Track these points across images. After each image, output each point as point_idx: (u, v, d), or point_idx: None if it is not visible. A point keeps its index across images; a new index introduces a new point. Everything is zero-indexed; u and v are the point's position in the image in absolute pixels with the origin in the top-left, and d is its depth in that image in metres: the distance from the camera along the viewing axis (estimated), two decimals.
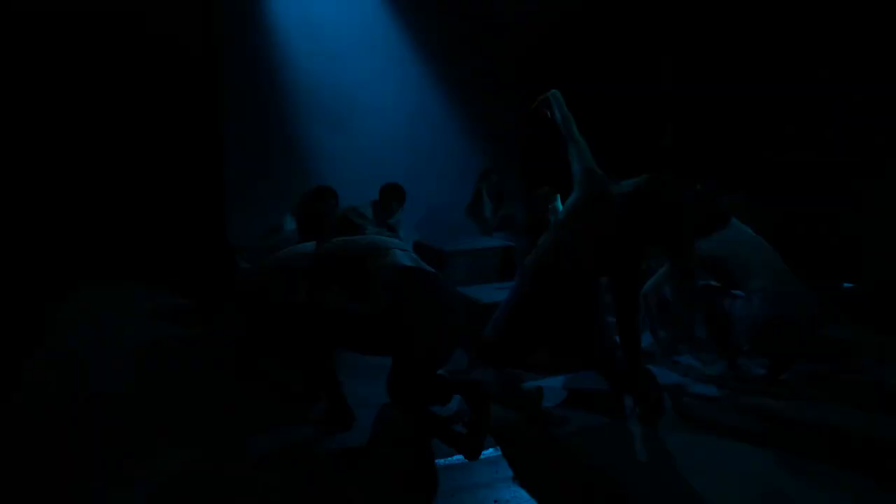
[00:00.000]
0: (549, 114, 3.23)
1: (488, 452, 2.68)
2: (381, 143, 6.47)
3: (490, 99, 7.06)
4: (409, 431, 2.90)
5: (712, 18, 5.99)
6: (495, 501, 2.35)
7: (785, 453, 2.70)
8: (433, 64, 6.83)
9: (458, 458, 2.62)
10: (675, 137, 6.21)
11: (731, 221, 3.55)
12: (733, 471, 2.56)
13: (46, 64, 5.24)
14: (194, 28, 5.60)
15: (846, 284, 5.12)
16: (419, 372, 2.70)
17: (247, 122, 5.95)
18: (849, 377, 3.59)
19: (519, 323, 3.06)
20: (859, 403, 3.21)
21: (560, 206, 4.25)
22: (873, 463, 2.63)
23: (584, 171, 3.01)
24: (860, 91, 5.03)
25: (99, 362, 3.84)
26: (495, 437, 2.78)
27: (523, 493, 2.41)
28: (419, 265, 2.78)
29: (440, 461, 2.65)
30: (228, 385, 3.56)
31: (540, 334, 3.18)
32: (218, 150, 5.78)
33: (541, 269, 2.97)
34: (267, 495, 2.41)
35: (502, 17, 6.83)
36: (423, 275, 2.76)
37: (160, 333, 4.31)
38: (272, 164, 6.18)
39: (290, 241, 3.61)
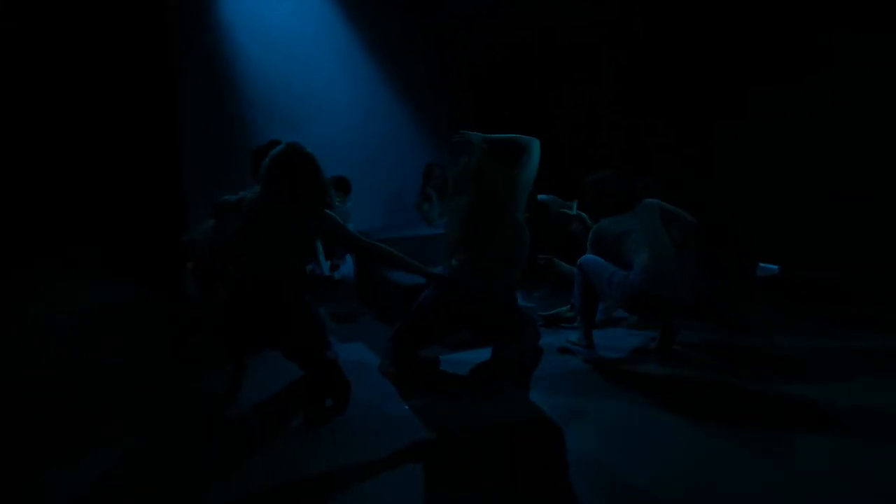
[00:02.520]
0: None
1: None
2: (337, 142, 6.68)
3: (439, 95, 7.34)
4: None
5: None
6: None
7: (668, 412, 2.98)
8: (385, 64, 7.13)
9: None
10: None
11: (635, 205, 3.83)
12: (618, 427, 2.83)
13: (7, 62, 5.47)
14: (151, 32, 5.82)
15: (768, 266, 5.41)
16: None
17: (204, 125, 6.20)
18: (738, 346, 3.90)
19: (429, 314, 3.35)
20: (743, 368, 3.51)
21: None
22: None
23: None
24: None
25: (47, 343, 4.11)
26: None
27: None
28: None
29: None
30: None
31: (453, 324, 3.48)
32: (176, 152, 6.02)
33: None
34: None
35: (450, 17, 7.10)
36: None
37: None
38: (230, 165, 6.42)
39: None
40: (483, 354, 3.62)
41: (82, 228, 5.55)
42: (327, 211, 3.09)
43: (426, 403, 3.10)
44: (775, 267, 5.41)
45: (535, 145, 3.46)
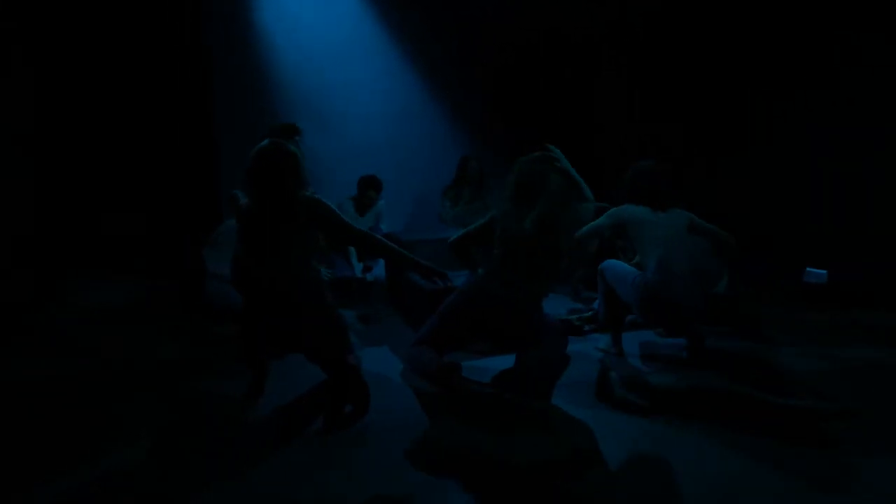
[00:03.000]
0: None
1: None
2: (370, 143, 6.73)
3: (478, 97, 7.26)
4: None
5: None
6: None
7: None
8: (419, 63, 7.08)
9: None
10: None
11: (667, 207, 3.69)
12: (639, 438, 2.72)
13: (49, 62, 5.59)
14: (186, 33, 5.91)
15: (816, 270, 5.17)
16: None
17: (238, 125, 6.26)
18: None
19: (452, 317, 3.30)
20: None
21: None
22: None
23: None
24: None
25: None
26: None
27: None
28: None
29: None
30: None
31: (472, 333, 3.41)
32: (210, 153, 6.11)
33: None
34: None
35: (484, 14, 7.02)
36: None
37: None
38: None
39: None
40: (506, 361, 3.53)
41: (118, 227, 5.68)
42: (319, 198, 3.04)
43: (445, 411, 3.04)
44: (824, 272, 5.15)
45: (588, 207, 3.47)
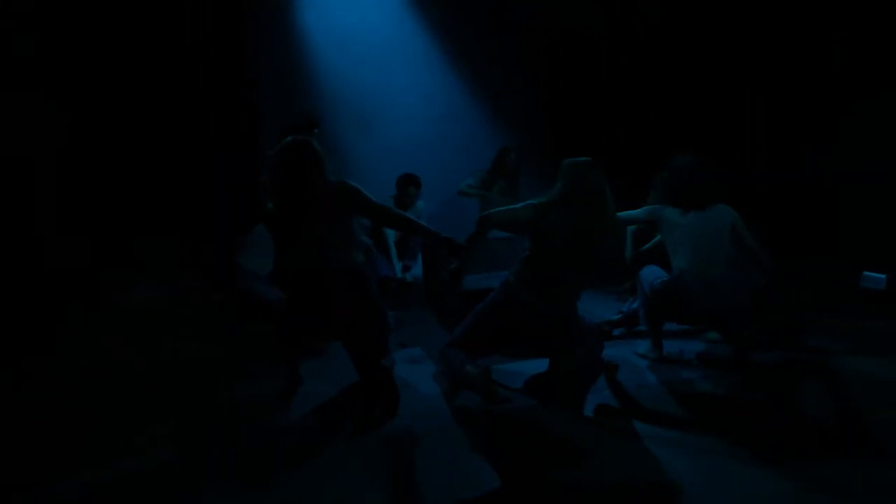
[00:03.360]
0: None
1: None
2: (410, 144, 6.72)
3: (519, 95, 7.17)
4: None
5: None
6: None
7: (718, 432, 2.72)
8: (461, 64, 7.04)
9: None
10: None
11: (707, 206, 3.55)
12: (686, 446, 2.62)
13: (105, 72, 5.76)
14: (229, 36, 6.01)
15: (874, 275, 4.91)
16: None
17: (280, 127, 6.36)
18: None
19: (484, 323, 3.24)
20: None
21: None
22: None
23: None
24: None
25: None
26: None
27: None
28: None
29: None
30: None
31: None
32: (254, 154, 6.19)
33: None
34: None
35: (526, 14, 6.93)
36: None
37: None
38: None
39: None
40: (540, 365, 3.46)
41: (165, 227, 5.80)
42: (343, 180, 3.07)
43: (474, 415, 2.99)
44: (882, 276, 4.89)
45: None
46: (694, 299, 3.32)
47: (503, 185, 6.24)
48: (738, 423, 2.82)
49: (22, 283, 4.61)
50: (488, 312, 3.22)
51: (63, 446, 2.81)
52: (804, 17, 5.53)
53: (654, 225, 3.60)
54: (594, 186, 3.09)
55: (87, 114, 5.57)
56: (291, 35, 6.44)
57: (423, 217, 6.01)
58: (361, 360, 3.13)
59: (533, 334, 3.18)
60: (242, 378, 3.56)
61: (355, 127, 6.64)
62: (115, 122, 5.71)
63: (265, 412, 3.12)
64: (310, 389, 3.33)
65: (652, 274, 3.57)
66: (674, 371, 3.51)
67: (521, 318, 3.12)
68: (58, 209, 5.33)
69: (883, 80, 5.08)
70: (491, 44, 7.05)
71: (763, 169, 5.82)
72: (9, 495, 2.42)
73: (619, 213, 3.47)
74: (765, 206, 4.07)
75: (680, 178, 3.50)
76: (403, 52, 6.79)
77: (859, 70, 5.25)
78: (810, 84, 5.59)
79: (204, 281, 5.27)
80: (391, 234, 5.76)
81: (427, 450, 2.65)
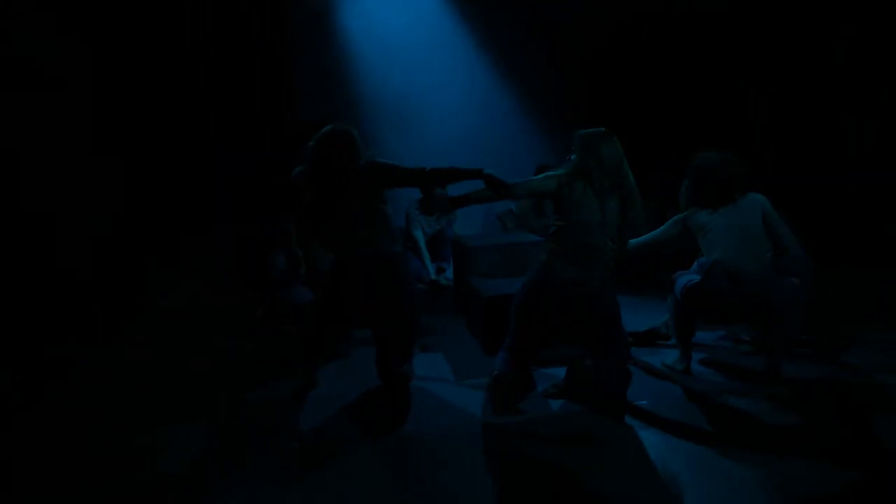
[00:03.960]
0: None
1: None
2: (450, 144, 6.69)
3: (558, 96, 7.06)
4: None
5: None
6: None
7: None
8: (500, 64, 6.98)
9: None
10: None
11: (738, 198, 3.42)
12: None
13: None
14: (271, 37, 6.11)
15: None
16: None
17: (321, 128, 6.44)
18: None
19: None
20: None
21: None
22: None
23: None
24: None
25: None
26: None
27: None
28: None
29: None
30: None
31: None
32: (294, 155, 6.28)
33: None
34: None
35: (567, 14, 6.81)
36: None
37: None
38: None
39: None
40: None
41: (204, 229, 5.93)
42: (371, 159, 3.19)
43: (498, 425, 2.96)
44: None
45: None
46: (723, 292, 3.21)
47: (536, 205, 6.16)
48: (762, 448, 2.68)
49: (55, 282, 4.75)
50: (529, 300, 3.11)
51: (82, 444, 2.92)
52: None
53: (689, 234, 3.46)
54: (611, 155, 3.03)
55: (132, 111, 5.73)
56: (332, 38, 6.51)
57: (456, 218, 5.99)
58: (384, 356, 3.20)
59: (577, 314, 3.05)
60: (262, 379, 3.64)
61: (394, 128, 6.66)
62: (156, 122, 5.83)
63: (286, 413, 3.17)
64: (332, 391, 3.36)
65: (684, 278, 3.44)
66: (700, 383, 3.38)
67: (561, 296, 3.01)
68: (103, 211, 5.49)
69: None
70: (531, 42, 6.97)
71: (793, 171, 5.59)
72: (23, 494, 2.53)
73: (652, 234, 3.46)
74: (802, 210, 3.86)
75: (707, 177, 3.40)
76: (442, 53, 6.78)
77: None
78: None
79: (233, 281, 5.40)
80: (422, 237, 5.76)
81: (440, 459, 2.65)
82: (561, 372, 3.37)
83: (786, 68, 5.90)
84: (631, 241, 3.30)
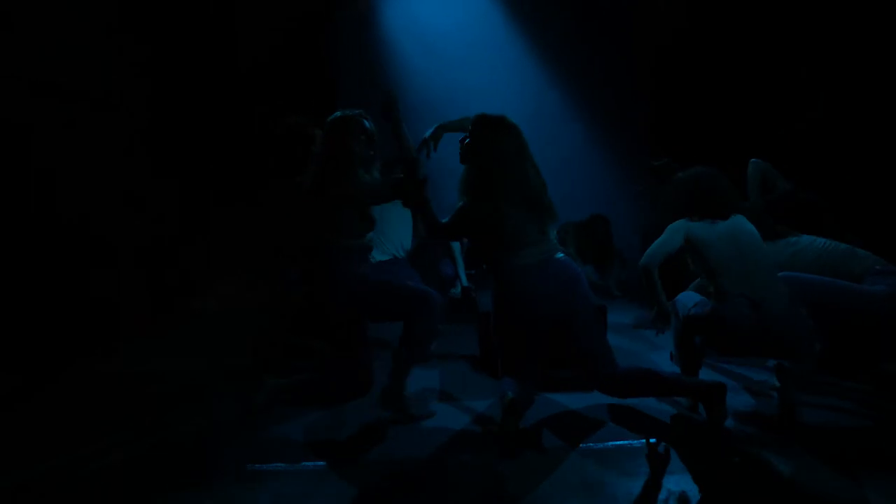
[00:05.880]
0: None
1: None
2: None
3: (612, 97, 6.75)
4: None
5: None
6: None
7: None
8: (550, 64, 6.74)
9: None
10: None
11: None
12: None
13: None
14: (314, 38, 6.16)
15: None
16: None
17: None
18: None
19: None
20: None
21: None
22: None
23: None
24: None
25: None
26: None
27: None
28: None
29: None
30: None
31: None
32: None
33: None
34: None
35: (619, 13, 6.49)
36: None
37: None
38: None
39: None
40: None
41: (240, 230, 6.03)
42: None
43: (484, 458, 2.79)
44: None
45: None
46: (743, 322, 2.90)
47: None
48: None
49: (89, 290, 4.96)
50: (502, 309, 3.01)
51: (82, 444, 2.99)
52: None
53: (690, 248, 3.16)
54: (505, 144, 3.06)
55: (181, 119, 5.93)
56: (375, 38, 6.50)
57: None
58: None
59: (560, 304, 2.87)
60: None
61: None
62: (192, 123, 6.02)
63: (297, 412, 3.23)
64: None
65: (689, 300, 3.14)
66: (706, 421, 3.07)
67: (538, 288, 2.87)
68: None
69: None
70: (581, 36, 6.69)
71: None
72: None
73: (651, 249, 3.18)
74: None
75: (705, 187, 3.18)
76: (489, 54, 6.63)
77: None
78: None
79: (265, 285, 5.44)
80: (457, 245, 5.63)
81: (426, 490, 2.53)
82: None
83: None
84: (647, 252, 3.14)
